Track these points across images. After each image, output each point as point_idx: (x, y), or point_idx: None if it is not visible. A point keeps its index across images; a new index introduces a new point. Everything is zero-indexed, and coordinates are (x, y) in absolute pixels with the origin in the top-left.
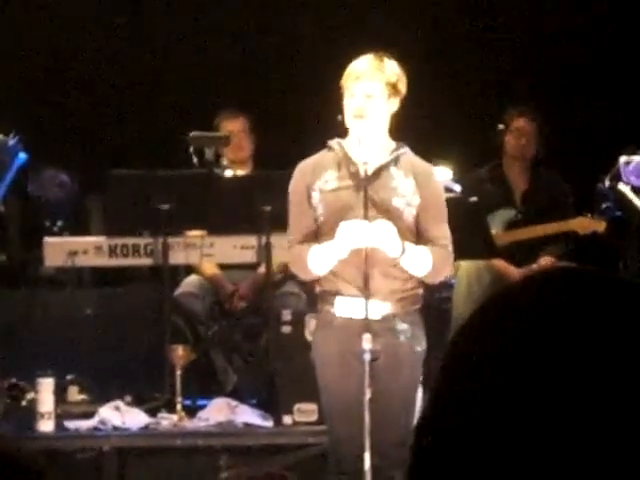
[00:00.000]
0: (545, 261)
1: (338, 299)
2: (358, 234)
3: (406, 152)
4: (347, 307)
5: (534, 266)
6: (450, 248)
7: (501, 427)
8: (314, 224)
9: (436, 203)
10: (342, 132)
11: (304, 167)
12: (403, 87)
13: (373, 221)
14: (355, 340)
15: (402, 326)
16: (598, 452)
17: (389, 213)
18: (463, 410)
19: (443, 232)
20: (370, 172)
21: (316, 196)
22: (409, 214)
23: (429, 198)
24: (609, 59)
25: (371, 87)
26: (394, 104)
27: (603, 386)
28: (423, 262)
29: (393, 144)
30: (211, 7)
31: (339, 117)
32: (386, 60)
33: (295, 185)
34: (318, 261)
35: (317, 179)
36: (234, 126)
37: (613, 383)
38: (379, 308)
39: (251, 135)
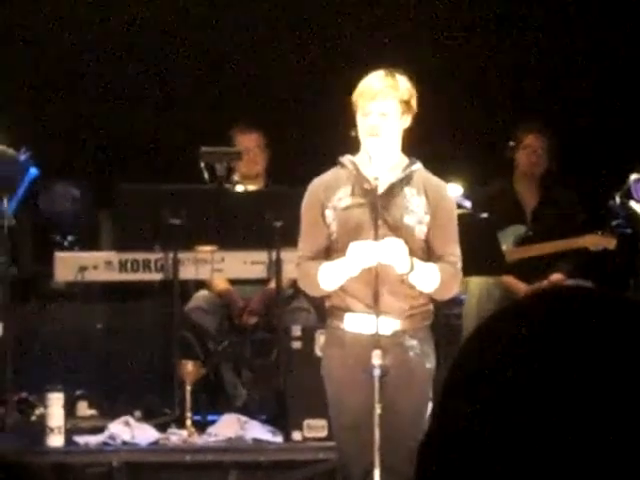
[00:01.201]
0: (555, 278)
1: (348, 315)
2: (368, 254)
3: (419, 168)
4: (357, 323)
5: (544, 283)
6: (459, 265)
7: (505, 443)
8: (326, 241)
9: (448, 221)
10: (354, 147)
11: (317, 185)
12: (415, 103)
13: (383, 239)
14: (365, 356)
15: (411, 342)
16: (600, 471)
17: (400, 231)
18: (466, 425)
19: (453, 250)
20: (382, 190)
21: (330, 214)
22: (420, 232)
23: (441, 216)
24: (622, 77)
25: (386, 106)
26: (407, 121)
27: (605, 401)
28: (431, 279)
29: (406, 160)
30: (224, 23)
31: (352, 133)
32: (398, 77)
33: (308, 202)
34: (328, 278)
35: (331, 197)
36: (250, 141)
37: (615, 398)
38: (388, 324)
39: (265, 150)
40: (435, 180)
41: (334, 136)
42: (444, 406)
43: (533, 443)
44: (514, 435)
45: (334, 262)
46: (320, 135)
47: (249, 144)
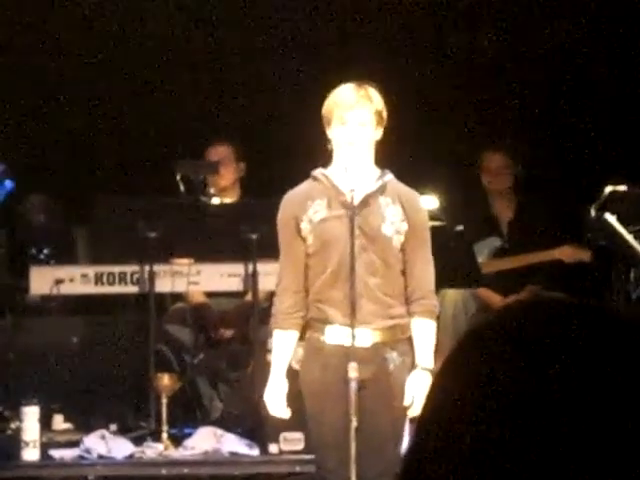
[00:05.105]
0: (531, 290)
1: (328, 327)
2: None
3: (391, 179)
4: (336, 335)
5: (520, 295)
6: (432, 277)
7: (487, 461)
8: (305, 260)
9: (423, 230)
10: (328, 160)
11: (291, 198)
12: (385, 116)
13: (362, 251)
14: (344, 368)
15: (392, 354)
16: None
17: (379, 241)
18: (449, 444)
19: (427, 261)
20: (358, 200)
21: (306, 227)
22: (397, 241)
23: (417, 225)
24: (598, 87)
25: (363, 115)
26: (379, 132)
27: (588, 418)
28: (434, 336)
29: (378, 171)
30: (199, 36)
31: (330, 147)
32: (370, 89)
33: (283, 218)
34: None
35: (306, 209)
36: (215, 155)
37: (599, 413)
38: (368, 336)
39: (236, 163)
40: (408, 190)
41: (313, 148)
42: (426, 424)
43: (518, 462)
44: (498, 455)
45: (276, 354)
46: (298, 148)
47: (216, 157)
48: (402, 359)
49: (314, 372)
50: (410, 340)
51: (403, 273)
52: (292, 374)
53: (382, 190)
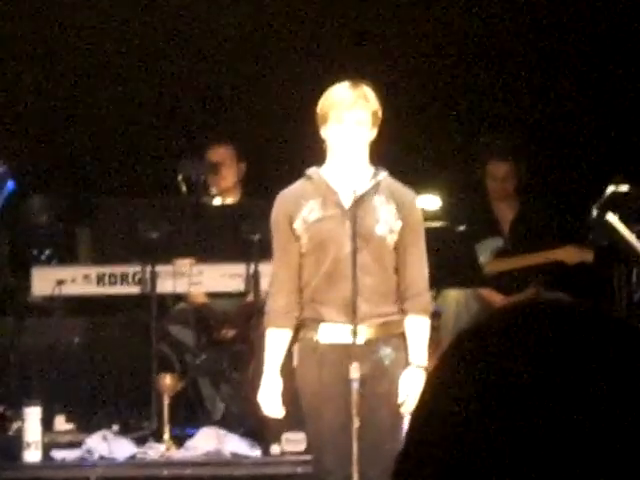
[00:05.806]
0: (533, 290)
1: (322, 326)
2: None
3: (385, 177)
4: (331, 334)
5: (521, 295)
6: (426, 274)
7: (480, 456)
8: (299, 259)
9: (417, 228)
10: (324, 159)
11: (284, 197)
12: (381, 115)
13: (357, 251)
14: (340, 366)
15: (386, 351)
16: None
17: (373, 242)
18: (442, 439)
19: (421, 259)
20: (353, 201)
21: (299, 226)
22: (391, 240)
23: (410, 223)
24: (599, 88)
25: (361, 115)
26: (374, 132)
27: (578, 418)
28: (427, 333)
29: (372, 170)
30: (199, 37)
31: (325, 146)
32: (365, 88)
33: (276, 216)
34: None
35: (300, 209)
36: (215, 156)
37: (588, 415)
38: (362, 333)
39: (237, 164)
40: (403, 188)
41: (314, 148)
42: (419, 423)
43: (509, 462)
44: (492, 452)
45: (269, 353)
46: (299, 148)
47: (216, 158)
48: (396, 354)
49: (310, 371)
50: (403, 335)
51: (397, 271)
52: (293, 374)
53: (376, 189)
